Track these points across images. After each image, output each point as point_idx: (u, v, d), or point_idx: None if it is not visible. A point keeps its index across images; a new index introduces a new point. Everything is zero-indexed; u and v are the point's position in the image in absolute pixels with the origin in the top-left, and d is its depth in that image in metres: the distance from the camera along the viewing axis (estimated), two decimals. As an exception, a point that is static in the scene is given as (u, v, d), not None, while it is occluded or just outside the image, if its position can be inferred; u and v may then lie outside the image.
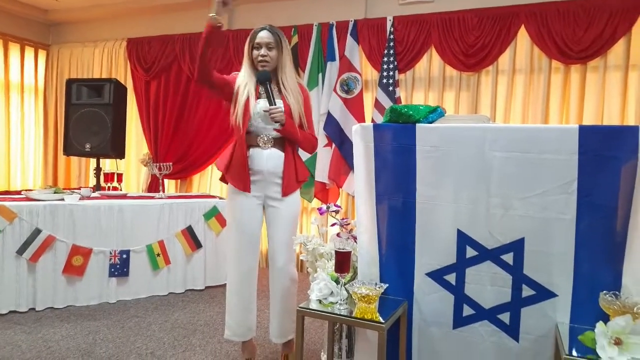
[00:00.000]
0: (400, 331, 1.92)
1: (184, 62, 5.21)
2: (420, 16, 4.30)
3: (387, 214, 1.97)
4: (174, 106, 5.27)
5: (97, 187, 4.39)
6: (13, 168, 5.85)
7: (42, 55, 6.09)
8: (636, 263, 1.62)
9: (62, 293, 3.46)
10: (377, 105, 4.30)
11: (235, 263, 2.48)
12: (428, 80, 4.36)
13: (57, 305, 3.44)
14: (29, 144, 6.04)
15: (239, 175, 2.41)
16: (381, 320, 1.71)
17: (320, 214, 2.40)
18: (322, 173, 4.50)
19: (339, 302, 1.85)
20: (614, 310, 1.51)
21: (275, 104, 2.33)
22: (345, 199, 4.66)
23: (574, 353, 1.47)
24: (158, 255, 3.80)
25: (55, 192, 3.65)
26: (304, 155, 2.73)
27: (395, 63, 4.31)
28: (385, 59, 4.31)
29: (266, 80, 2.36)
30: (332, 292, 1.91)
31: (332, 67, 4.52)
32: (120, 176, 4.53)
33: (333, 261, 1.94)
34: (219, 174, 2.58)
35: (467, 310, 1.85)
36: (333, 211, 2.35)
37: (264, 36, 2.37)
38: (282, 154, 2.44)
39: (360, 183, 2.02)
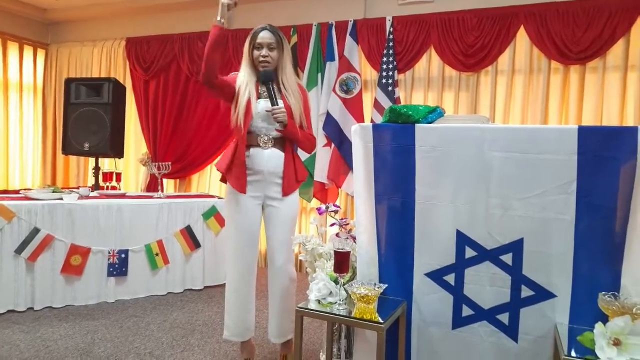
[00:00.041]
0: (399, 331, 1.92)
1: (183, 62, 5.20)
2: (420, 16, 4.30)
3: (386, 214, 1.97)
4: (173, 106, 5.27)
5: (96, 187, 4.38)
6: (12, 167, 5.85)
7: (40, 54, 6.08)
8: (635, 264, 1.62)
9: (61, 292, 3.46)
10: (377, 105, 4.30)
11: (234, 263, 2.48)
12: (427, 81, 4.37)
13: (55, 304, 3.43)
14: (28, 143, 6.03)
15: (237, 176, 2.40)
16: (380, 320, 1.71)
17: (320, 213, 2.40)
18: (321, 173, 4.50)
19: (338, 302, 1.85)
20: (613, 310, 1.51)
21: (277, 104, 2.33)
22: (344, 199, 4.66)
23: (573, 354, 1.47)
24: (157, 254, 3.79)
25: (53, 192, 3.64)
26: (302, 155, 2.73)
27: (395, 63, 4.31)
28: (385, 59, 4.31)
29: (269, 80, 2.35)
30: (331, 292, 1.91)
31: (332, 67, 4.52)
32: (119, 175, 4.52)
33: (332, 261, 1.94)
34: (218, 173, 2.58)
35: (466, 311, 1.85)
36: (332, 211, 2.35)
37: (265, 36, 2.37)
38: (283, 154, 2.44)
39: (360, 183, 2.01)
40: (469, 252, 1.83)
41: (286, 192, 2.45)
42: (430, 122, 1.93)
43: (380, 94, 4.29)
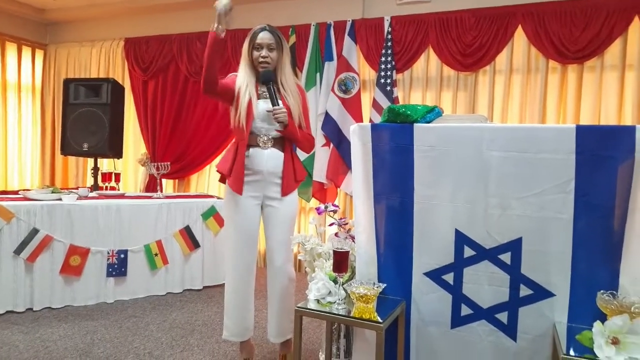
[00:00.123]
0: (398, 331, 1.92)
1: (182, 62, 5.20)
2: (418, 16, 4.30)
3: (385, 213, 1.97)
4: (172, 106, 5.27)
5: (95, 187, 4.38)
6: (10, 168, 5.84)
7: (39, 54, 6.07)
8: (633, 262, 1.63)
9: (60, 293, 3.45)
10: (375, 105, 4.31)
11: (233, 263, 2.48)
12: (426, 80, 4.37)
13: (54, 305, 3.43)
14: (27, 143, 6.02)
15: (236, 176, 2.40)
16: (379, 320, 1.71)
17: (319, 213, 2.40)
18: (320, 173, 4.50)
19: (337, 301, 1.85)
20: (611, 309, 1.52)
21: (278, 105, 2.33)
22: (343, 199, 4.66)
23: (572, 352, 1.48)
24: (156, 255, 3.79)
25: (52, 192, 3.64)
26: (301, 155, 2.74)
27: (393, 63, 4.31)
28: (383, 58, 4.32)
29: (269, 80, 2.35)
30: (330, 291, 1.91)
31: (330, 67, 4.52)
32: (117, 176, 4.52)
33: (331, 261, 1.94)
34: (216, 173, 2.58)
35: (465, 310, 1.86)
36: (331, 211, 2.35)
37: (265, 37, 2.37)
38: (282, 154, 2.44)
39: (358, 183, 2.02)
40: (468, 252, 1.84)
41: (285, 192, 2.45)
42: (428, 122, 1.93)
43: (379, 94, 4.30)
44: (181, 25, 5.24)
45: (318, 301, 1.90)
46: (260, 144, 2.40)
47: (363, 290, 1.77)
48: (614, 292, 1.59)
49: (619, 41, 3.70)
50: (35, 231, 3.33)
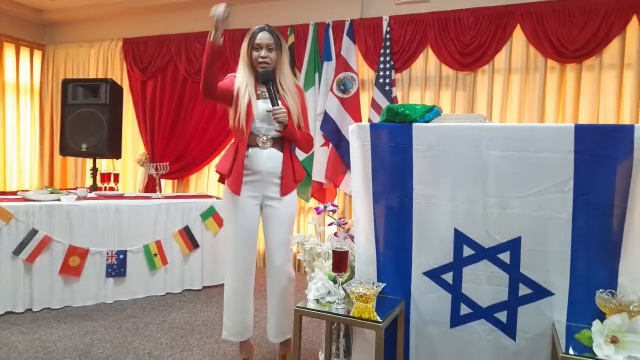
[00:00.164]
0: (397, 330, 1.92)
1: (180, 62, 5.20)
2: (416, 16, 4.31)
3: (384, 213, 1.97)
4: (171, 106, 5.26)
5: (94, 188, 4.38)
6: (9, 169, 5.83)
7: (37, 55, 6.07)
8: (632, 261, 1.63)
9: (59, 293, 3.45)
10: (374, 104, 4.31)
11: (233, 263, 2.48)
12: (424, 80, 4.37)
13: (54, 305, 3.43)
14: (25, 144, 6.01)
15: (235, 177, 2.40)
16: (378, 319, 1.71)
17: (318, 213, 2.40)
18: (319, 172, 4.51)
19: (337, 301, 1.86)
20: (610, 308, 1.52)
21: (278, 105, 2.33)
22: (342, 199, 4.67)
23: (571, 351, 1.48)
24: (155, 255, 3.79)
25: (51, 193, 3.64)
26: (300, 154, 2.73)
27: (392, 62, 4.31)
28: (382, 58, 4.32)
29: (269, 80, 2.35)
30: (329, 291, 1.91)
31: (329, 67, 4.53)
32: (116, 176, 4.51)
33: (330, 260, 1.94)
34: (215, 174, 2.58)
35: (465, 309, 1.86)
36: (330, 210, 2.35)
37: (264, 37, 2.36)
38: (281, 154, 2.44)
39: (358, 182, 2.02)
40: (467, 251, 1.84)
41: (284, 192, 2.45)
42: (427, 122, 1.93)
43: (378, 94, 4.30)
44: (180, 25, 5.24)
45: (317, 301, 1.90)
46: (260, 144, 2.40)
47: (362, 290, 1.77)
48: (613, 291, 1.59)
49: (617, 40, 3.71)
50: (34, 232, 3.33)
